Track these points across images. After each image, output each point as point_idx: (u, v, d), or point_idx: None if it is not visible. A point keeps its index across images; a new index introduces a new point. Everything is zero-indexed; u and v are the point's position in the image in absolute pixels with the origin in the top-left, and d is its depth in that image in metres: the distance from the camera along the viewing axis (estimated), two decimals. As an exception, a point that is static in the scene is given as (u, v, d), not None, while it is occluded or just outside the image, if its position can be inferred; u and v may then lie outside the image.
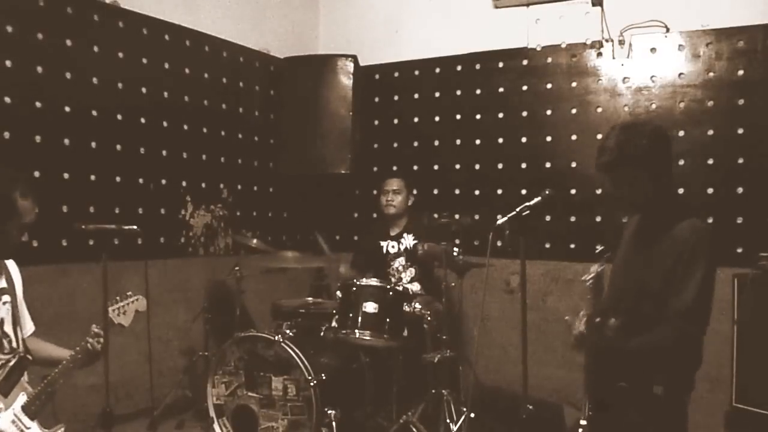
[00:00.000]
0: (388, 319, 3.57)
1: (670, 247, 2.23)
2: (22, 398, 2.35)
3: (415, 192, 4.54)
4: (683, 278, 2.18)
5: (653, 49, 4.13)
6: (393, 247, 4.41)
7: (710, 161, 3.96)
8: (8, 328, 2.40)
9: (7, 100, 3.38)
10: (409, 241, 4.38)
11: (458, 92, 4.79)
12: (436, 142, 4.89)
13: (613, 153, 2.27)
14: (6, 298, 2.43)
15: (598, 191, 4.28)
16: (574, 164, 4.37)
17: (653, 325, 2.21)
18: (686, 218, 2.28)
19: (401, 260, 4.37)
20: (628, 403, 2.27)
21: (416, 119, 4.97)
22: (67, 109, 3.65)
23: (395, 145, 5.07)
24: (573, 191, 4.35)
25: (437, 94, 4.88)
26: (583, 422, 2.41)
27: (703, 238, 2.23)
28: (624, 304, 2.30)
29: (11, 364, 2.34)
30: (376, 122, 5.15)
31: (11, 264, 2.52)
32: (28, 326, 2.55)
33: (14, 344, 2.40)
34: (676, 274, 2.18)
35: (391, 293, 3.64)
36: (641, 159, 2.25)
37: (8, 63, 3.37)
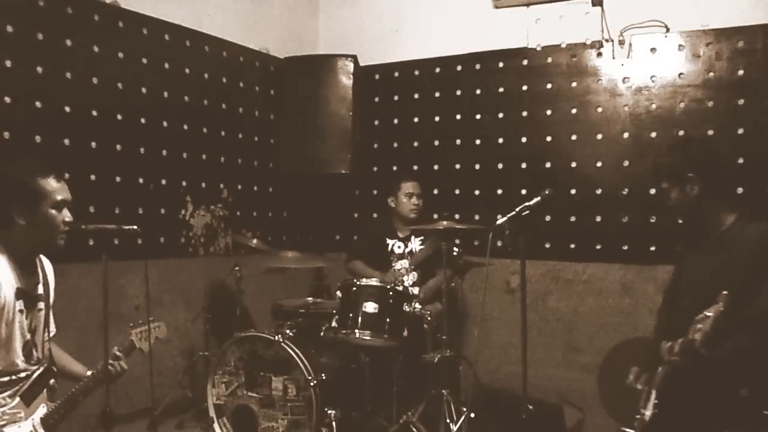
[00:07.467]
0: (388, 319, 3.58)
1: (739, 252, 2.30)
2: (42, 410, 2.35)
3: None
4: (757, 283, 2.22)
5: (653, 49, 4.13)
6: (399, 247, 4.39)
7: (710, 161, 3.95)
8: (38, 336, 2.40)
9: (7, 100, 3.37)
10: (416, 244, 4.37)
11: (458, 92, 4.78)
12: (436, 142, 4.88)
13: (662, 172, 2.51)
14: (41, 305, 2.43)
15: (598, 191, 4.28)
16: (574, 164, 4.37)
17: (728, 333, 2.22)
18: (750, 221, 2.35)
19: (404, 263, 4.35)
20: (713, 403, 2.29)
21: (416, 119, 4.97)
22: (67, 109, 3.64)
23: (395, 145, 5.07)
24: (573, 191, 4.35)
25: (437, 94, 4.87)
26: (646, 413, 2.41)
27: None
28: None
29: (37, 374, 2.35)
30: (376, 122, 5.14)
31: (48, 267, 2.51)
32: (51, 329, 2.54)
33: (40, 354, 2.40)
34: (749, 279, 2.23)
35: (391, 293, 3.64)
36: (691, 179, 2.42)
37: (8, 63, 3.37)
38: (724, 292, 2.13)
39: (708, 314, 2.12)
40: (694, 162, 2.44)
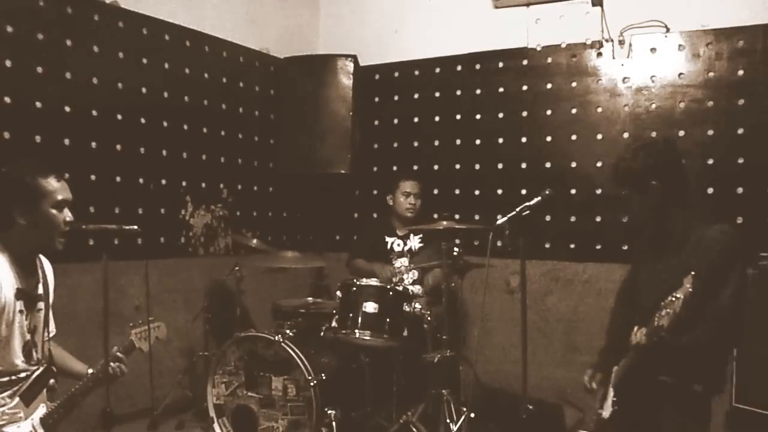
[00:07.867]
0: (388, 319, 3.57)
1: (702, 252, 2.29)
2: (41, 410, 2.35)
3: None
4: (720, 282, 2.22)
5: (653, 49, 4.13)
6: (398, 245, 4.40)
7: (710, 161, 3.96)
8: (38, 336, 2.40)
9: (7, 100, 3.38)
10: (414, 242, 4.37)
11: (458, 92, 4.79)
12: (436, 142, 4.88)
13: (624, 179, 2.45)
14: (41, 305, 2.43)
15: (598, 191, 4.28)
16: (574, 164, 4.37)
17: (687, 329, 2.23)
18: (712, 223, 2.35)
19: (404, 261, 4.36)
20: (667, 398, 2.31)
21: (416, 119, 4.97)
22: (67, 109, 3.65)
23: (395, 145, 5.07)
24: (573, 191, 4.35)
25: (437, 94, 4.87)
26: (603, 413, 2.42)
27: (735, 243, 2.31)
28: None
29: (37, 374, 2.35)
30: (376, 122, 5.14)
31: (48, 267, 2.51)
32: (51, 329, 2.54)
33: (39, 354, 2.40)
34: (711, 278, 2.22)
35: (391, 293, 3.64)
36: (653, 187, 2.37)
37: (8, 63, 3.37)
38: (692, 273, 2.10)
39: (677, 296, 2.10)
40: (655, 169, 2.38)
